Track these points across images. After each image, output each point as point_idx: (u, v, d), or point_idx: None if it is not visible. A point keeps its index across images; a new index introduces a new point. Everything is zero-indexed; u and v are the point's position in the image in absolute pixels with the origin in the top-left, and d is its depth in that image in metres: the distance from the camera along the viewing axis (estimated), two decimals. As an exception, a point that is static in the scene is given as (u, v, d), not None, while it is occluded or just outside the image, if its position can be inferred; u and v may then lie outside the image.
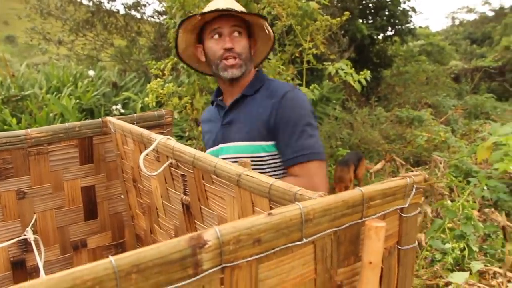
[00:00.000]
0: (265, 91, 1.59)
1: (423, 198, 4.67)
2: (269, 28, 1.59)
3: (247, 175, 0.98)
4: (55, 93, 5.84)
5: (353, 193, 0.77)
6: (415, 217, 0.93)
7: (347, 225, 0.78)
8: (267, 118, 1.51)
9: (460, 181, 4.71)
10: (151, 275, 0.59)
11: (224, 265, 0.65)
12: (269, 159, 1.53)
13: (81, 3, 8.61)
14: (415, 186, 0.89)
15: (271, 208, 0.94)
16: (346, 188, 4.68)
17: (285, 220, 0.69)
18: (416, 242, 0.98)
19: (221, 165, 1.06)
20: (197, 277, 0.62)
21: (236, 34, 1.57)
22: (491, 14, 29.00)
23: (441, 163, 5.36)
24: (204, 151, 1.56)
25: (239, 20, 1.58)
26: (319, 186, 1.41)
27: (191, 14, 1.61)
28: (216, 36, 1.57)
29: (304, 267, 0.76)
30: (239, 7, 1.58)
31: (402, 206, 0.89)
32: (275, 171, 1.53)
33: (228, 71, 1.57)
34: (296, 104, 1.51)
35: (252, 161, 1.44)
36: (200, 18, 1.56)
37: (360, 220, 0.80)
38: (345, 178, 4.70)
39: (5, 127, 4.92)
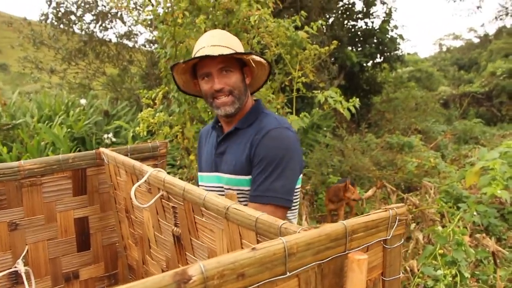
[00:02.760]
0: (257, 125, 1.59)
1: (413, 224, 4.69)
2: (258, 58, 1.58)
3: (234, 208, 1.00)
4: (46, 121, 5.86)
5: (336, 227, 0.80)
6: (398, 248, 0.96)
7: (330, 258, 0.81)
8: (249, 153, 1.53)
9: (450, 207, 4.74)
10: (137, 311, 0.60)
11: (208, 300, 0.67)
12: None
13: (73, 32, 8.69)
14: (398, 217, 0.92)
15: (258, 241, 0.97)
16: (346, 202, 4.73)
17: (268, 255, 0.71)
18: (401, 273, 1.00)
19: (209, 198, 1.08)
20: (182, 312, 0.64)
21: (224, 72, 1.56)
22: (476, 40, 29.63)
23: (431, 188, 5.41)
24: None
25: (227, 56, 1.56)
26: None
27: (175, 63, 1.62)
28: (206, 77, 1.59)
29: (289, 300, 0.78)
30: (225, 41, 1.59)
31: (385, 238, 0.92)
32: None
33: (221, 109, 1.58)
34: (275, 143, 1.50)
35: (238, 194, 1.49)
36: (184, 65, 1.59)
37: (343, 253, 0.82)
38: (339, 195, 4.72)
39: (-4, 156, 4.91)
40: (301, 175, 1.63)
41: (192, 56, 1.60)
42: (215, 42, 1.56)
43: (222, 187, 1.60)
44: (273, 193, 1.45)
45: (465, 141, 10.29)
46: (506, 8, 22.01)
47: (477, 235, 4.45)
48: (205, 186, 1.68)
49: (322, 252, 0.79)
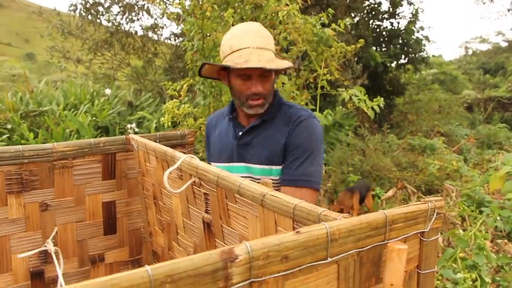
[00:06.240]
0: (282, 116, 1.65)
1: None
2: (292, 65, 1.68)
3: (272, 195, 1.01)
4: (72, 110, 5.95)
5: (377, 216, 0.80)
6: (435, 241, 0.95)
7: (370, 246, 0.81)
8: (284, 143, 1.59)
9: (472, 211, 4.67)
10: (184, 286, 0.61)
11: (252, 280, 0.67)
12: None
13: (100, 23, 8.80)
14: (436, 211, 0.91)
15: (294, 228, 0.97)
16: (341, 212, 4.71)
17: (312, 239, 0.72)
18: (436, 267, 1.00)
19: (245, 185, 1.09)
20: (227, 290, 0.65)
21: (263, 77, 1.59)
22: (504, 44, 28.93)
23: (453, 192, 5.33)
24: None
25: None
26: None
27: (215, 63, 1.63)
28: (244, 77, 1.59)
29: (327, 286, 0.78)
30: (267, 42, 1.60)
31: (423, 230, 0.91)
32: None
33: (253, 109, 1.62)
34: (308, 132, 1.59)
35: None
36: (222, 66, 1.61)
37: (382, 242, 0.82)
38: (344, 203, 4.73)
39: (23, 141, 5.01)
40: None
41: (233, 50, 1.58)
42: (260, 43, 1.57)
43: (250, 177, 1.62)
44: (308, 177, 1.54)
45: (489, 146, 10.11)
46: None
47: (499, 241, 4.39)
48: None
49: (363, 240, 0.79)
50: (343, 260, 0.78)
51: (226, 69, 1.65)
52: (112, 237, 1.93)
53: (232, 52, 1.59)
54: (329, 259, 0.75)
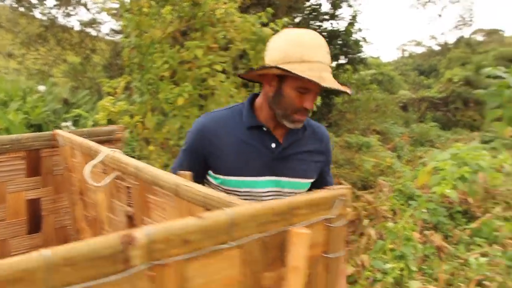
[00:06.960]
0: (308, 130, 1.69)
1: (367, 220, 4.84)
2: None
3: (185, 185, 1.03)
4: (1, 107, 5.68)
5: (280, 202, 0.85)
6: (341, 227, 1.01)
7: (273, 231, 0.85)
8: (323, 160, 1.71)
9: (402, 204, 4.92)
10: (82, 269, 0.62)
11: (152, 262, 0.70)
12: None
13: (34, 16, 8.44)
14: (340, 197, 0.97)
15: (207, 216, 1.00)
16: None
17: (213, 223, 0.75)
18: (344, 252, 1.06)
19: (161, 176, 1.11)
20: (126, 272, 0.66)
21: (317, 93, 1.52)
22: (437, 48, 30.51)
23: (385, 187, 5.59)
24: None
25: None
26: None
27: (294, 73, 1.41)
28: (302, 90, 1.49)
29: (231, 269, 0.81)
30: (329, 59, 1.53)
31: (328, 217, 0.97)
32: None
33: (294, 124, 1.55)
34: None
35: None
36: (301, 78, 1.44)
37: (286, 228, 0.87)
38: None
39: None
40: None
41: (303, 60, 1.45)
42: (328, 60, 1.50)
43: (282, 191, 1.61)
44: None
45: (421, 143, 10.65)
46: (464, 19, 22.90)
47: (426, 232, 4.65)
48: (257, 192, 1.58)
49: (266, 225, 0.83)
50: (247, 244, 0.81)
51: (281, 76, 1.51)
52: (36, 236, 1.88)
53: (302, 62, 1.45)
54: (231, 243, 0.78)
